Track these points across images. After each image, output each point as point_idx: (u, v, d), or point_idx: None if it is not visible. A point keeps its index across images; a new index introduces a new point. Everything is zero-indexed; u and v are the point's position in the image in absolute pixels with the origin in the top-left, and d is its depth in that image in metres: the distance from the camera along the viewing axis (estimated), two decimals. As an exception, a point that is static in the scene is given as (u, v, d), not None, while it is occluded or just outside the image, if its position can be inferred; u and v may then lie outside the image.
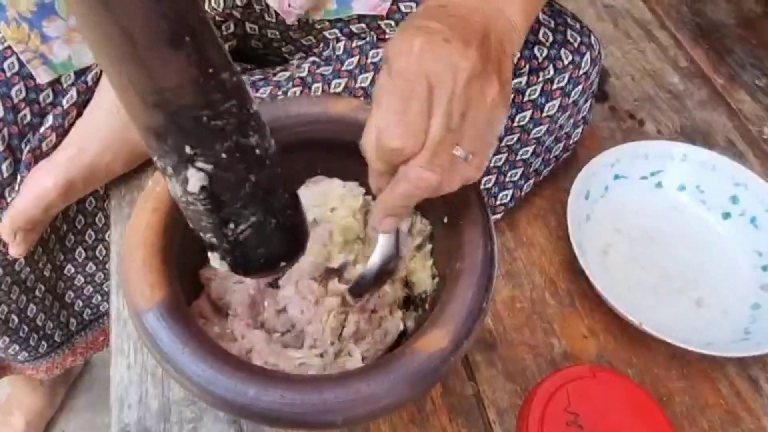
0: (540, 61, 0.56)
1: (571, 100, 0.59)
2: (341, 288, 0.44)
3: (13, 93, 0.58)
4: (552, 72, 0.57)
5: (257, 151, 0.29)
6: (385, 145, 0.33)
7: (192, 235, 0.39)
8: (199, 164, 0.27)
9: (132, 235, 0.37)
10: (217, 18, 0.61)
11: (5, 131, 0.58)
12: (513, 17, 0.38)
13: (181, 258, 0.38)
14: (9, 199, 0.60)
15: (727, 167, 0.64)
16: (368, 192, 0.49)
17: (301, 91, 0.61)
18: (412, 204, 0.36)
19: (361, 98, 0.59)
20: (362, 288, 0.42)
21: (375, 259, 0.41)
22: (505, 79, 0.36)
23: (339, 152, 0.47)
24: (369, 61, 0.59)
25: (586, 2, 0.93)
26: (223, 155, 0.27)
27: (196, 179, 0.27)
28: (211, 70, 0.26)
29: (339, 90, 0.60)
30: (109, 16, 0.23)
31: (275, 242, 0.32)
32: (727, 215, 0.65)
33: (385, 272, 0.41)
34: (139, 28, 0.24)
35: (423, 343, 0.34)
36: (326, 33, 0.63)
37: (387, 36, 0.60)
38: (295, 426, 0.33)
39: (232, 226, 0.30)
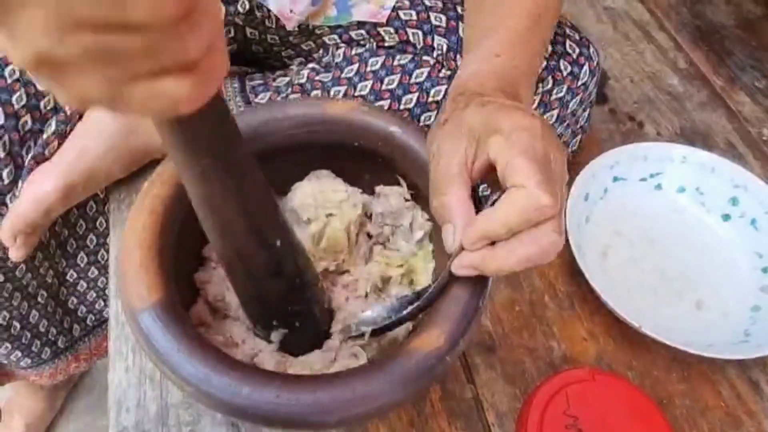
0: (539, 73, 0.57)
1: (569, 110, 0.59)
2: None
3: (14, 99, 0.58)
4: (551, 83, 0.57)
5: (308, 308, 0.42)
6: (540, 198, 0.32)
7: (186, 239, 0.39)
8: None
9: (129, 236, 0.37)
10: None
11: (6, 138, 0.58)
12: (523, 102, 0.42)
13: (176, 261, 0.38)
14: (10, 206, 0.60)
15: (727, 169, 0.64)
16: (365, 192, 0.49)
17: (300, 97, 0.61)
18: (499, 270, 0.35)
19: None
20: (362, 329, 0.41)
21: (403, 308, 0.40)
22: None
23: (336, 153, 0.47)
24: (368, 69, 0.59)
25: (585, 4, 0.93)
26: (297, 322, 0.41)
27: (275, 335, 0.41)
28: (295, 281, 0.39)
29: (338, 97, 0.60)
30: (240, 261, 0.37)
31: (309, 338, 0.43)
32: (726, 217, 0.64)
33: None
34: (257, 267, 0.37)
35: (419, 342, 0.34)
36: (326, 39, 0.63)
37: (386, 43, 0.60)
38: (290, 426, 0.33)
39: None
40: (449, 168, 0.36)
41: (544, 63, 0.57)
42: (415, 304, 0.38)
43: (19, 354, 0.72)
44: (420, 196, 0.45)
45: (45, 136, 0.59)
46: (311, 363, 0.39)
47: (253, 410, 0.32)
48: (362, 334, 0.40)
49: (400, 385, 0.33)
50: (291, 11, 0.58)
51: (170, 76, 0.21)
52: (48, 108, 0.60)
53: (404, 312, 0.39)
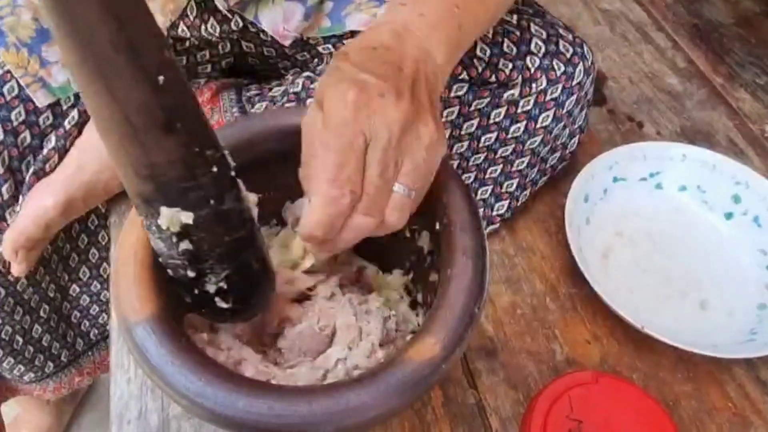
0: (532, 72, 0.56)
1: (565, 110, 0.58)
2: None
3: (12, 116, 0.58)
4: (545, 83, 0.57)
5: (232, 216, 0.34)
6: (313, 229, 0.36)
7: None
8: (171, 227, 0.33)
9: (123, 249, 0.37)
10: (214, 39, 0.62)
11: (5, 154, 0.58)
12: (439, 59, 0.41)
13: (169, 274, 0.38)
14: (10, 221, 0.60)
15: (728, 166, 0.64)
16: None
17: (296, 106, 0.61)
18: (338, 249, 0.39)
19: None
20: None
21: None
22: (438, 117, 0.39)
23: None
24: None
25: (581, 7, 0.93)
26: (202, 220, 0.33)
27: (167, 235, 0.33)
28: (197, 149, 0.31)
29: None
30: (114, 103, 0.28)
31: (244, 294, 0.38)
32: (729, 215, 0.64)
33: None
34: (138, 115, 0.28)
35: (414, 351, 0.34)
36: (320, 48, 0.63)
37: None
38: (285, 437, 0.32)
39: (206, 279, 0.35)
40: (307, 136, 0.38)
41: (537, 61, 0.57)
42: None
43: (22, 368, 0.73)
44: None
45: (45, 151, 0.60)
46: (297, 378, 0.39)
47: (248, 422, 0.32)
48: None
49: (396, 395, 0.33)
50: (284, 29, 0.58)
51: None
52: (47, 124, 0.60)
53: None
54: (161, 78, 0.28)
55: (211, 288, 0.36)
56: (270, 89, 0.64)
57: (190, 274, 0.35)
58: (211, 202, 0.32)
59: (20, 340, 0.70)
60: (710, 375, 0.56)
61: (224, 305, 0.37)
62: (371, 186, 0.35)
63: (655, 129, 0.77)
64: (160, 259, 0.36)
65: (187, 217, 0.32)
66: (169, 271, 0.36)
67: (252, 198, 0.37)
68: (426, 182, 0.38)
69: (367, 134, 0.35)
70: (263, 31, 0.60)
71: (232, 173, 0.34)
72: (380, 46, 0.39)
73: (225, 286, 0.36)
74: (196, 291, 0.36)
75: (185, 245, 0.33)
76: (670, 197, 0.66)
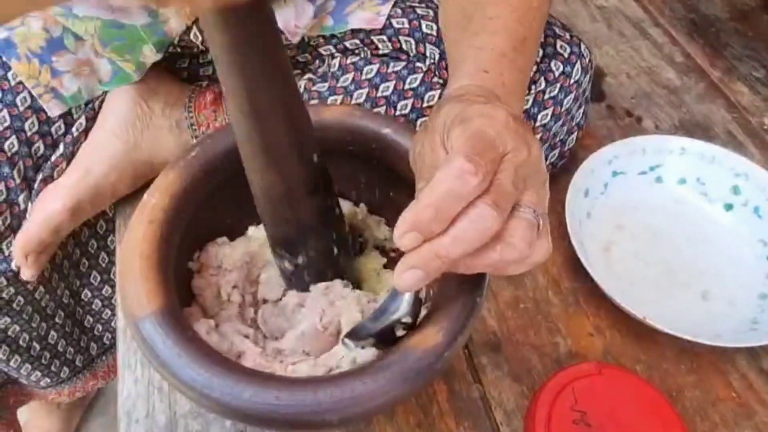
0: (531, 75, 0.57)
1: (563, 108, 0.59)
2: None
3: (26, 126, 0.59)
4: (544, 84, 0.58)
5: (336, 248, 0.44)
6: (459, 163, 0.30)
7: (184, 248, 0.40)
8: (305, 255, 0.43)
9: (129, 246, 0.38)
10: None
11: (20, 164, 0.59)
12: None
13: (174, 270, 0.38)
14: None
15: (726, 158, 0.64)
16: (360, 194, 0.50)
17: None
18: (446, 264, 0.31)
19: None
20: (361, 337, 0.38)
21: (384, 316, 0.37)
22: None
23: (332, 157, 0.47)
24: (363, 77, 0.60)
25: (578, 5, 0.94)
26: (323, 247, 0.43)
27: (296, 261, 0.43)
28: (327, 201, 0.42)
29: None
30: (279, 178, 0.38)
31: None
32: (729, 206, 0.64)
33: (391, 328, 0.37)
34: (297, 185, 0.38)
35: (417, 339, 0.34)
36: (321, 50, 0.64)
37: (380, 51, 0.61)
38: (293, 427, 0.33)
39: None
40: (435, 161, 0.34)
41: (535, 66, 0.58)
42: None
43: (39, 374, 0.73)
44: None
45: (54, 158, 0.61)
46: (297, 372, 0.39)
47: (254, 412, 0.32)
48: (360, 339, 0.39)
49: (400, 383, 0.33)
50: (296, 26, 0.59)
51: None
52: (59, 133, 0.61)
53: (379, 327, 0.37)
54: (315, 156, 0.38)
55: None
56: None
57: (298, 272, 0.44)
58: (334, 235, 0.43)
59: (37, 346, 0.71)
60: (713, 365, 0.56)
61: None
62: (499, 186, 0.31)
63: (653, 123, 0.77)
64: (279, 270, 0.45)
65: (316, 248, 0.42)
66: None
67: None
68: (544, 212, 0.34)
69: (508, 146, 0.33)
70: None
71: (339, 210, 0.44)
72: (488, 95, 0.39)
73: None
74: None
75: (308, 262, 0.43)
76: (670, 190, 0.66)
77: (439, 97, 0.57)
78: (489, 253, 0.31)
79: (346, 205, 0.50)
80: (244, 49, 0.30)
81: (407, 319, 0.36)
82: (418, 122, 0.59)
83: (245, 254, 0.46)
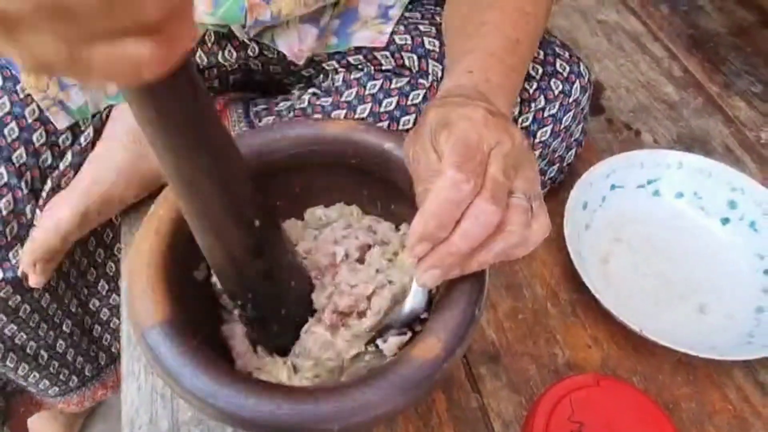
0: (531, 93, 0.59)
1: (563, 126, 0.60)
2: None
3: (34, 138, 0.60)
4: (543, 102, 0.59)
5: (290, 286, 0.43)
6: (452, 176, 0.34)
7: (191, 259, 0.41)
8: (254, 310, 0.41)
9: (136, 256, 0.39)
10: (229, 64, 0.64)
11: (28, 175, 0.60)
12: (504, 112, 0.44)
13: (180, 280, 0.39)
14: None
15: (723, 173, 0.65)
16: (363, 207, 0.51)
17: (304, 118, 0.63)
18: (458, 258, 0.35)
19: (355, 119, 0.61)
20: (386, 336, 0.42)
21: (406, 309, 0.40)
22: None
23: (336, 171, 0.48)
24: (367, 92, 0.61)
25: (579, 19, 0.95)
26: (274, 298, 0.42)
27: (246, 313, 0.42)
28: (277, 262, 0.40)
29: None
30: (220, 243, 0.37)
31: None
32: (726, 220, 0.65)
33: (412, 320, 0.41)
34: (237, 249, 0.37)
35: (417, 351, 0.35)
36: (325, 65, 0.65)
37: (383, 67, 0.62)
38: (294, 436, 0.34)
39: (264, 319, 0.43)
40: (430, 164, 0.37)
41: (535, 84, 0.59)
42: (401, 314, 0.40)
43: (47, 383, 0.74)
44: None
45: (61, 168, 0.62)
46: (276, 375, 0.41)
47: (257, 421, 0.33)
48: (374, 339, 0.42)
49: (399, 394, 0.34)
50: (299, 50, 0.60)
51: (131, 37, 0.20)
52: (66, 144, 0.62)
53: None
54: (257, 222, 0.36)
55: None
56: (277, 104, 0.66)
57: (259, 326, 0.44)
58: (289, 284, 0.42)
59: (45, 354, 0.71)
60: (709, 378, 0.57)
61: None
62: (492, 180, 0.35)
63: (652, 137, 0.78)
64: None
65: (264, 305, 0.42)
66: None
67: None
68: (538, 197, 0.37)
69: (492, 142, 0.36)
70: (277, 50, 0.62)
71: (295, 258, 0.43)
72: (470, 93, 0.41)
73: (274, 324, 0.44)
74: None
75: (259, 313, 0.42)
76: (668, 204, 0.67)
77: None
78: (494, 244, 0.35)
79: (338, 207, 0.51)
80: (165, 123, 0.29)
81: (424, 315, 0.40)
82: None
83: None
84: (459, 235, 0.34)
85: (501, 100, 0.43)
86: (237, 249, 0.37)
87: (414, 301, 0.40)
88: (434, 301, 0.41)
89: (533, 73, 0.59)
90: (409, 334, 0.42)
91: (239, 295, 0.40)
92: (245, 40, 0.61)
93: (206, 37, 0.61)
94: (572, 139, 0.64)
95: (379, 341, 0.42)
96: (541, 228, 0.36)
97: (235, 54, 0.63)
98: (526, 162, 0.37)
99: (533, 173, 0.37)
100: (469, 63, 0.45)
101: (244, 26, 0.57)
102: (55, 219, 0.59)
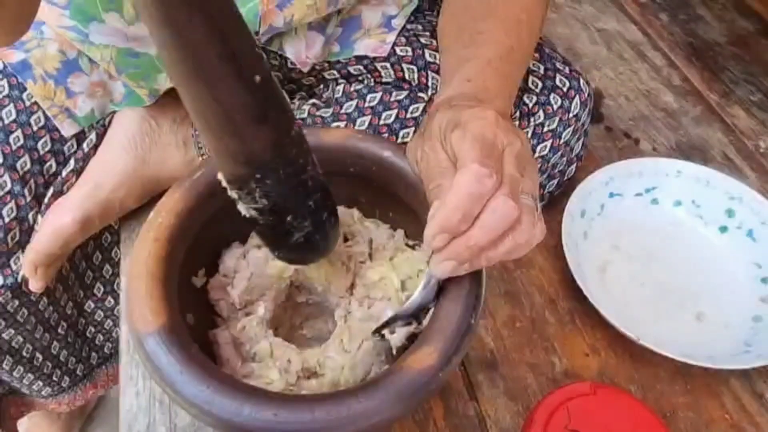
0: (530, 107, 0.59)
1: (562, 141, 0.60)
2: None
3: (39, 145, 0.61)
4: (542, 117, 0.59)
5: (310, 183, 0.38)
6: (476, 170, 0.35)
7: (190, 265, 0.41)
8: (265, 199, 0.37)
9: (135, 264, 0.39)
10: None
11: (32, 182, 0.61)
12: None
13: (179, 287, 0.39)
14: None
15: (721, 181, 0.65)
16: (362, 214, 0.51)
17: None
18: (475, 251, 0.36)
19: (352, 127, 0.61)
20: (393, 327, 0.42)
21: (416, 299, 0.41)
22: None
23: (333, 179, 0.48)
24: (366, 104, 0.62)
25: (579, 27, 0.95)
26: (289, 192, 0.37)
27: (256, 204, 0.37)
28: (285, 133, 0.35)
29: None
30: (217, 104, 0.31)
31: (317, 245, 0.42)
32: (724, 229, 0.65)
33: (420, 311, 0.41)
34: (240, 113, 0.32)
35: (413, 360, 0.35)
36: (325, 74, 0.66)
37: (383, 79, 0.63)
38: (290, 444, 0.34)
39: (291, 232, 0.39)
40: (439, 162, 0.38)
41: (534, 98, 0.59)
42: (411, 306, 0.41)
43: (41, 384, 0.74)
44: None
45: (64, 173, 0.62)
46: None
47: (253, 428, 0.33)
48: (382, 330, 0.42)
49: (395, 402, 0.34)
50: (306, 57, 0.61)
51: None
52: (71, 151, 0.63)
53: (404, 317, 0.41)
54: (257, 78, 0.31)
55: (293, 238, 0.40)
56: None
57: (276, 232, 0.39)
58: (300, 175, 0.37)
59: (40, 356, 0.71)
60: (707, 387, 0.57)
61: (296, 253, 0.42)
62: (510, 177, 0.36)
63: (651, 145, 0.78)
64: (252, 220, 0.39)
65: (278, 192, 0.36)
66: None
67: None
68: (536, 198, 0.38)
69: (505, 141, 0.37)
70: (279, 57, 0.63)
71: (306, 145, 0.37)
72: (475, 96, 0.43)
73: (303, 240, 0.40)
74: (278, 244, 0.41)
75: (275, 211, 0.38)
76: (666, 212, 0.67)
77: None
78: (505, 241, 0.36)
79: (339, 210, 0.51)
80: None
81: (432, 305, 0.40)
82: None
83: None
84: (479, 227, 0.35)
85: (499, 105, 0.44)
86: (237, 111, 0.31)
87: (424, 292, 0.40)
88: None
89: (532, 86, 0.59)
90: (415, 324, 0.42)
91: (245, 179, 0.35)
92: None
93: None
94: (573, 154, 0.64)
95: (385, 331, 0.42)
96: (541, 231, 0.37)
97: None
98: (531, 164, 0.39)
99: (536, 176, 0.39)
100: (467, 71, 0.46)
101: (257, 33, 0.57)
102: (57, 225, 0.59)
